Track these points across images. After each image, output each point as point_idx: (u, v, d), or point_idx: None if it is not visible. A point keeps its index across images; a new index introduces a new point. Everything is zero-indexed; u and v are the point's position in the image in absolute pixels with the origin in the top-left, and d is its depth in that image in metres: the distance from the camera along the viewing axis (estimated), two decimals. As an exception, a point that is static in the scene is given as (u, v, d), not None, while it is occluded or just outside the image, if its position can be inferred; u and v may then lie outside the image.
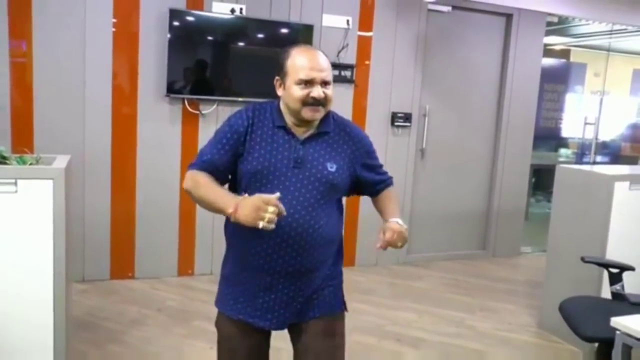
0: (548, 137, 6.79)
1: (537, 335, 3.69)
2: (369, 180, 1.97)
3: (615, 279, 2.84)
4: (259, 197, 1.62)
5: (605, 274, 2.91)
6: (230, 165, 1.85)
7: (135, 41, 4.08)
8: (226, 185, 1.89)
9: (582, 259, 2.93)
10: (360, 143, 1.94)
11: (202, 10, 4.19)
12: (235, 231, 1.82)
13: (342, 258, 2.00)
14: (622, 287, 2.83)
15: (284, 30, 4.45)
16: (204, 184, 1.79)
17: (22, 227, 2.26)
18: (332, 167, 1.84)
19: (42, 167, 2.33)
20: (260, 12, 4.33)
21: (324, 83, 1.80)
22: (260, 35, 4.41)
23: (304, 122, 1.84)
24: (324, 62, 1.82)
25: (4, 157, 2.28)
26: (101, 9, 3.97)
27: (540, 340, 3.62)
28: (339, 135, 1.90)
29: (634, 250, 3.33)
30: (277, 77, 1.86)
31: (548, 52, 6.78)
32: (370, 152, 1.97)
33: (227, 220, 1.82)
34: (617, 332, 1.93)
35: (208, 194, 1.77)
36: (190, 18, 4.17)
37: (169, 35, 4.04)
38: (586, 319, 2.52)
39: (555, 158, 6.95)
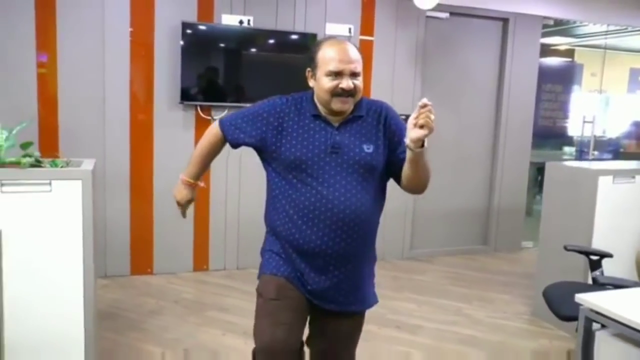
0: (549, 135, 6.96)
1: (530, 322, 3.91)
2: (396, 159, 1.96)
3: (595, 265, 3.06)
4: (183, 197, 2.23)
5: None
6: (248, 142, 1.97)
7: (150, 52, 4.38)
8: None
9: (565, 248, 3.16)
10: (394, 120, 1.98)
11: (212, 22, 4.48)
12: (286, 219, 1.91)
13: (376, 255, 2.09)
14: (602, 272, 3.05)
15: (289, 39, 4.73)
16: (201, 146, 2.14)
17: (57, 224, 2.51)
18: (369, 149, 1.91)
19: (73, 169, 2.59)
20: (267, 22, 4.61)
21: (353, 74, 1.86)
22: (267, 44, 4.69)
23: (334, 113, 1.91)
24: (353, 53, 1.87)
25: (39, 161, 2.57)
26: (118, 22, 4.26)
27: (532, 327, 3.84)
28: (373, 117, 1.95)
29: (617, 239, 3.56)
30: (308, 69, 1.94)
31: (553, 52, 6.96)
32: (403, 130, 1.92)
33: (274, 210, 1.96)
34: (581, 306, 2.17)
35: (195, 152, 2.18)
36: (201, 29, 4.46)
37: (182, 43, 4.32)
38: (563, 301, 2.75)
39: (560, 156, 7.12)
